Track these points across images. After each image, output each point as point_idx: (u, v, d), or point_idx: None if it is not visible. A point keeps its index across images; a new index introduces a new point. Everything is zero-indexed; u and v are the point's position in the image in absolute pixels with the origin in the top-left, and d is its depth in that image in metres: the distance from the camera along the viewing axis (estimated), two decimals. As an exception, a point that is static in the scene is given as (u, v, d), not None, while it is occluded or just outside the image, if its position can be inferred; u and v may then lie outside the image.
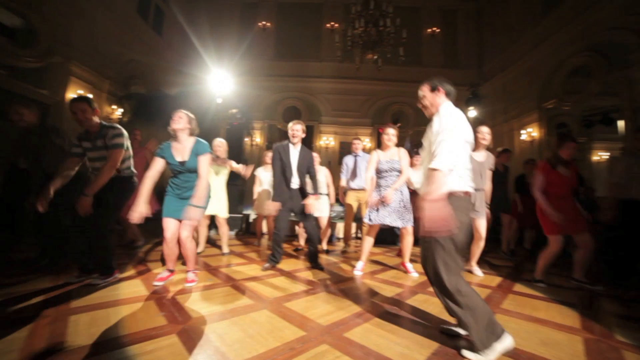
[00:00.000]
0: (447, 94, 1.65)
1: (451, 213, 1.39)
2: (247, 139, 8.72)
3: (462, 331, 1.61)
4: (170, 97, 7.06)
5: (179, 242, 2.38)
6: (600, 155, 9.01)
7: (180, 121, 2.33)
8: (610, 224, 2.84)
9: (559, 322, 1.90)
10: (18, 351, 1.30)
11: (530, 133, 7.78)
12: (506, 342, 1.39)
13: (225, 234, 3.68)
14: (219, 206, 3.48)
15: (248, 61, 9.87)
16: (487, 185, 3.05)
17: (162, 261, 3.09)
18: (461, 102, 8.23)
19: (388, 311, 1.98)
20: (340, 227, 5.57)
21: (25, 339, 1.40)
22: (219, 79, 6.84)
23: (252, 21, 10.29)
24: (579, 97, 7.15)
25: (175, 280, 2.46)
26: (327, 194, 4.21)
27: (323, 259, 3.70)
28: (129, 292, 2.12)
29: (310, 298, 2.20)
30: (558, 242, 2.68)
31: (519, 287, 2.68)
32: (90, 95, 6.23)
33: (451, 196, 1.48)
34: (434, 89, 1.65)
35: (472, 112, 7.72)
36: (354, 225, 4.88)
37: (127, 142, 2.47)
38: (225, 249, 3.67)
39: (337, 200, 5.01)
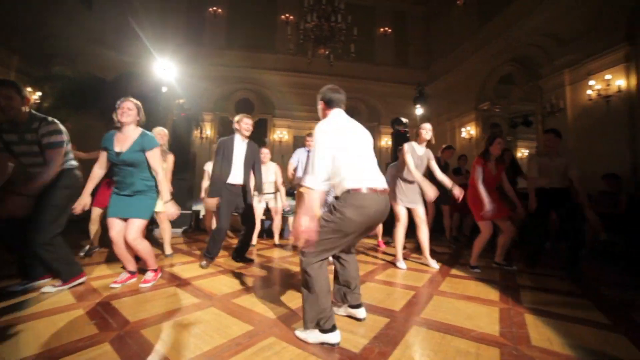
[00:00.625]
0: (328, 104, 1.72)
1: (315, 229, 1.44)
2: (196, 132, 8.22)
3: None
4: (105, 82, 6.27)
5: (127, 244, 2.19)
6: (522, 152, 10.34)
7: (130, 113, 2.15)
8: (533, 212, 3.19)
9: (483, 298, 2.16)
10: None
11: (469, 131, 8.63)
12: (329, 338, 1.42)
13: (166, 231, 3.27)
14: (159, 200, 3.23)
15: (197, 48, 9.26)
16: (439, 175, 3.13)
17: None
18: (409, 100, 8.77)
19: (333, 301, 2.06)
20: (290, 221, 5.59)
21: None
22: (164, 66, 6.28)
23: (201, 5, 9.64)
24: (506, 101, 8.14)
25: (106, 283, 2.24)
26: (277, 191, 4.19)
27: (275, 252, 3.69)
28: (52, 302, 1.89)
29: (260, 293, 2.18)
30: (488, 228, 2.99)
31: (455, 271, 2.97)
32: None
33: (349, 193, 1.49)
34: (320, 100, 1.76)
35: (419, 110, 8.28)
36: None
37: (67, 137, 2.14)
38: (168, 250, 3.27)
39: (291, 194, 5.01)
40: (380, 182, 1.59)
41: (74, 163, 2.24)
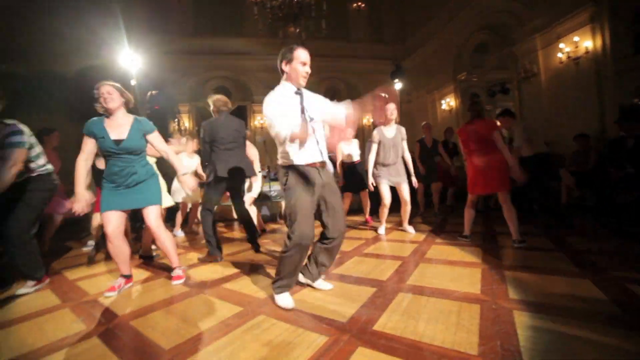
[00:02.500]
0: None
1: None
2: (173, 124, 7.94)
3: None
4: (67, 78, 5.88)
5: (125, 235, 2.16)
6: (501, 121, 10.56)
7: (113, 97, 1.94)
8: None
9: (467, 261, 2.26)
10: None
11: (448, 103, 8.69)
12: (282, 300, 1.61)
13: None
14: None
15: (165, 38, 8.76)
16: (406, 156, 3.32)
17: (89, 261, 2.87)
18: (388, 76, 8.70)
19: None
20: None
21: None
22: (130, 58, 5.93)
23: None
24: (482, 70, 8.19)
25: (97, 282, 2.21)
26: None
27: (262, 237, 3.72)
28: (37, 305, 1.85)
29: (251, 277, 2.21)
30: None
31: (439, 240, 3.07)
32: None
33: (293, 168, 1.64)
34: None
35: (398, 85, 8.24)
36: None
37: (31, 139, 2.10)
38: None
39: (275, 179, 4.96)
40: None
41: (50, 167, 2.27)
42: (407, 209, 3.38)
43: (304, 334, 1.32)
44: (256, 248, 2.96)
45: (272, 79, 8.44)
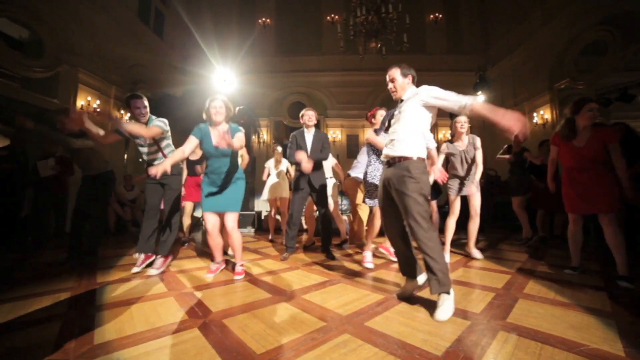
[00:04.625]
0: (414, 80, 1.96)
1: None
2: (254, 137, 8.73)
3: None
4: (175, 97, 7.11)
5: (222, 232, 2.59)
6: (617, 135, 8.67)
7: (221, 112, 2.38)
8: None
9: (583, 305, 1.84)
10: (50, 346, 1.33)
11: (542, 115, 7.56)
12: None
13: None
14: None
15: (251, 59, 9.83)
16: (479, 167, 3.06)
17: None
18: (468, 88, 8.04)
19: (408, 299, 1.96)
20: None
21: (57, 337, 1.43)
22: (223, 78, 6.85)
23: (251, 19, 10.24)
24: (593, 74, 6.88)
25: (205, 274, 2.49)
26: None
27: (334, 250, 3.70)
28: (149, 290, 2.16)
29: (327, 289, 2.19)
30: (574, 221, 2.52)
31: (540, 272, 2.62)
32: (98, 102, 6.35)
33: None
34: (405, 75, 1.93)
35: (481, 97, 7.54)
36: None
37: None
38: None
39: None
40: None
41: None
42: (476, 221, 3.12)
43: (395, 363, 1.22)
44: (330, 256, 3.21)
45: (345, 93, 8.72)
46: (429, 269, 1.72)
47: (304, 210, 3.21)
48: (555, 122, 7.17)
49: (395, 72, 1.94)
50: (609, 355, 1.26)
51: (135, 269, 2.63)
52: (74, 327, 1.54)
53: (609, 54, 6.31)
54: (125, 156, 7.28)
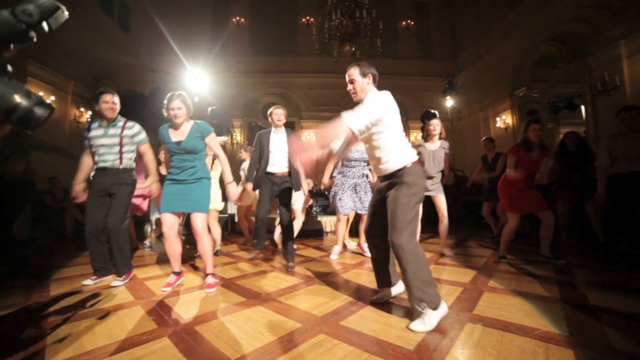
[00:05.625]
0: (375, 80, 1.81)
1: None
2: (226, 138, 8.52)
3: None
4: (143, 96, 6.74)
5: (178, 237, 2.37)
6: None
7: (181, 113, 2.22)
8: (603, 202, 2.86)
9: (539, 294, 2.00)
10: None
11: (504, 120, 8.12)
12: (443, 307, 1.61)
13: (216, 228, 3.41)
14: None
15: (224, 58, 9.59)
16: (446, 169, 3.32)
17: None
18: (438, 93, 8.44)
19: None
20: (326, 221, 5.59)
21: None
22: (195, 77, 6.63)
23: (225, 17, 10.00)
24: (545, 84, 7.54)
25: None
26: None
27: (310, 251, 3.70)
28: (116, 300, 2.03)
29: (302, 290, 2.19)
30: (513, 218, 2.97)
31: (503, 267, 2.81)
32: (53, 97, 5.85)
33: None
34: (364, 75, 1.77)
35: (449, 102, 7.94)
36: None
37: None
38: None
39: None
40: None
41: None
42: (445, 223, 3.27)
43: (370, 358, 1.25)
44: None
45: (320, 95, 8.78)
46: (408, 288, 1.61)
47: (270, 209, 3.05)
48: (516, 127, 7.74)
49: (354, 72, 1.77)
50: (556, 336, 1.42)
51: (88, 282, 2.39)
52: (20, 347, 1.41)
53: (558, 67, 6.96)
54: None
